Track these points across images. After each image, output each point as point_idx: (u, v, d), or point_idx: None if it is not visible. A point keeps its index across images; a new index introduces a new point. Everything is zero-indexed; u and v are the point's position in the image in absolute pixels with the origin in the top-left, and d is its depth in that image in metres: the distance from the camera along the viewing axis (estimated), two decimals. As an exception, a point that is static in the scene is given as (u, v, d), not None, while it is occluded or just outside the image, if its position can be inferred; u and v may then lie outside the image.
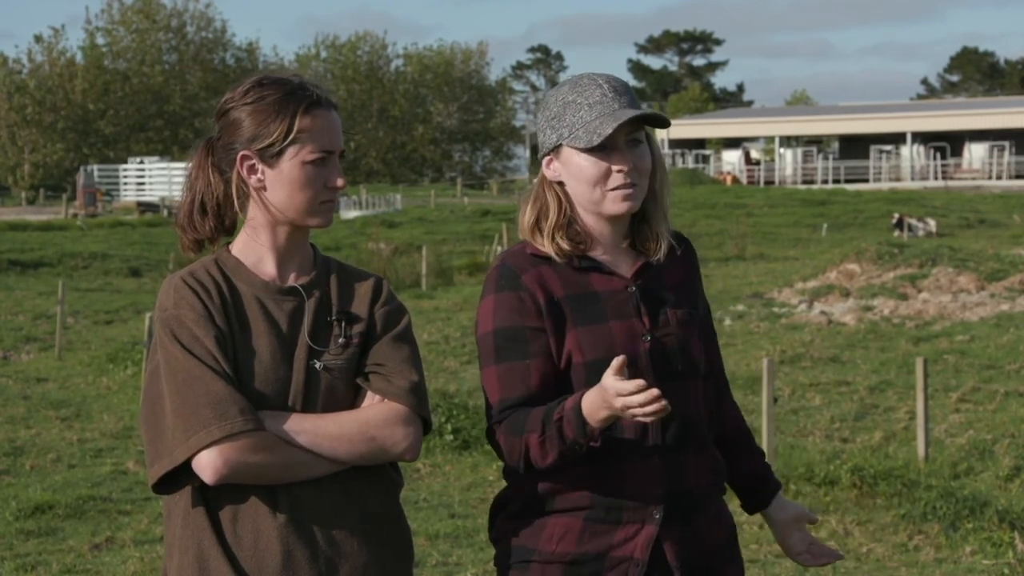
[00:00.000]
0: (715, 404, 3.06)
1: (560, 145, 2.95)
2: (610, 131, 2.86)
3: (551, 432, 2.80)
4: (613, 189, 2.92)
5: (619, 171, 2.91)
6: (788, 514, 3.17)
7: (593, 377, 2.83)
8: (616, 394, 2.67)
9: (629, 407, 2.67)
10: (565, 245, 2.95)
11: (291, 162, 2.81)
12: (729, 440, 3.14)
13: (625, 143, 2.92)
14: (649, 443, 2.90)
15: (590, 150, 2.91)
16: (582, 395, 2.77)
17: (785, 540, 3.17)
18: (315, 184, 2.82)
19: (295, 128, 2.79)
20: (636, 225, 3.01)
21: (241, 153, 2.82)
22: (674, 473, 2.92)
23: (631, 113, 2.88)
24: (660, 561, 2.91)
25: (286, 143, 2.80)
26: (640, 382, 2.66)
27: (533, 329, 2.90)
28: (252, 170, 2.83)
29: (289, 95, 2.81)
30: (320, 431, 2.76)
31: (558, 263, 2.95)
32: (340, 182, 2.84)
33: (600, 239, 2.99)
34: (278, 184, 2.82)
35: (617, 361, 2.70)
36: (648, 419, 2.68)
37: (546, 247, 2.96)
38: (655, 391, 2.65)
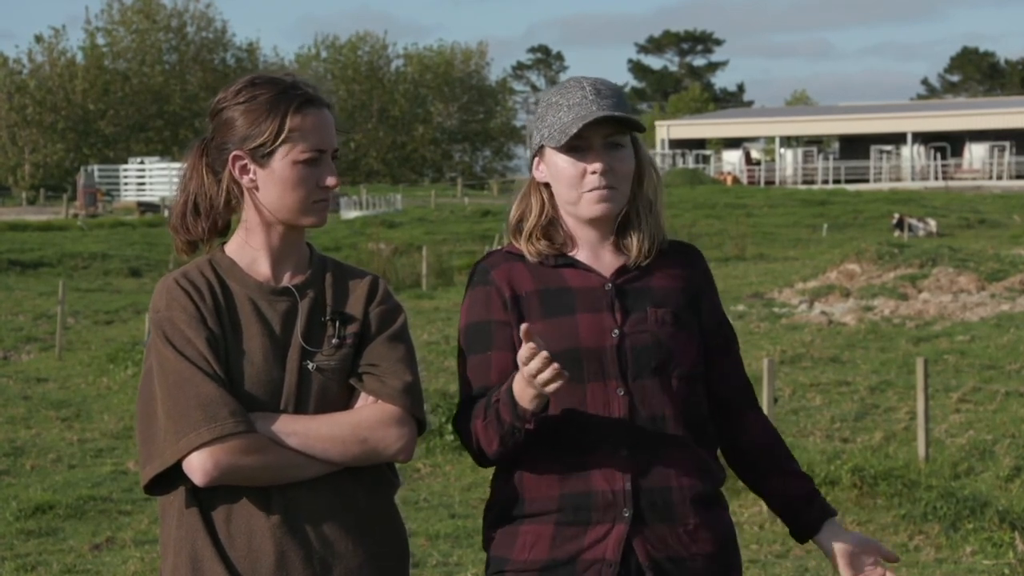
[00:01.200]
0: (700, 407, 2.99)
1: (543, 146, 2.97)
2: (575, 130, 2.87)
3: (491, 417, 2.82)
4: (588, 191, 2.92)
5: (592, 172, 2.91)
6: (845, 543, 2.94)
7: None
8: (521, 362, 2.69)
9: (530, 374, 2.68)
10: (541, 246, 2.96)
11: (282, 162, 2.79)
12: (751, 456, 3.05)
13: (603, 145, 2.91)
14: (613, 438, 2.87)
15: (567, 151, 2.92)
16: (515, 377, 2.78)
17: (846, 573, 2.94)
18: (307, 184, 2.80)
19: (286, 127, 2.78)
20: (621, 228, 3.00)
21: (233, 153, 2.81)
22: (644, 471, 2.88)
23: (600, 114, 2.88)
24: (633, 563, 2.87)
25: (277, 143, 2.78)
26: (532, 346, 2.67)
27: (498, 322, 2.92)
28: (244, 170, 2.82)
29: (281, 94, 2.80)
30: (311, 432, 2.75)
31: (533, 261, 2.97)
32: (332, 181, 2.82)
33: (582, 241, 2.99)
34: (270, 184, 2.81)
35: (521, 327, 2.71)
36: (548, 387, 2.68)
37: (523, 247, 2.98)
38: (544, 354, 2.66)
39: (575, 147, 2.91)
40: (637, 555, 2.87)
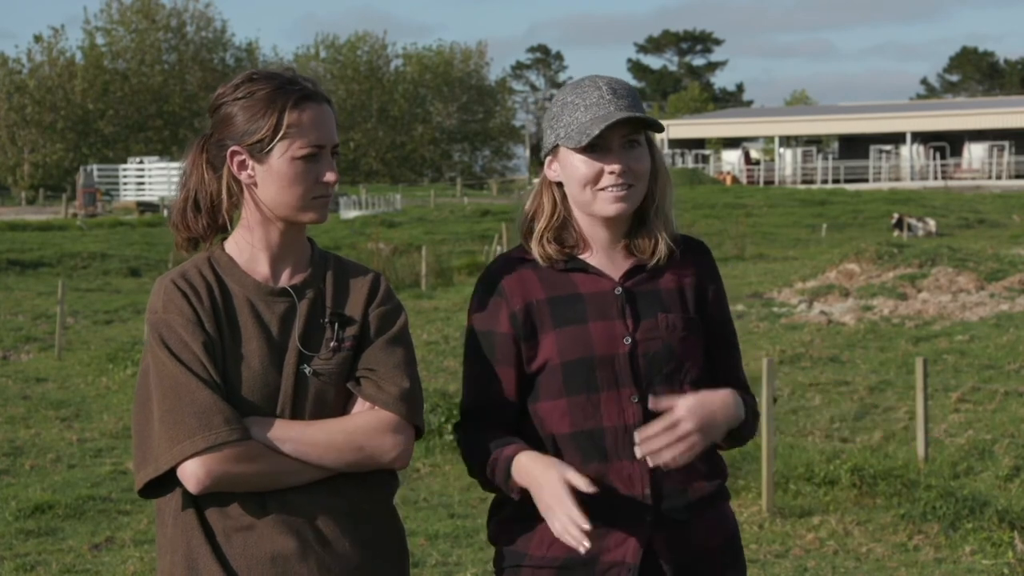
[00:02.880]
0: None
1: (558, 145, 2.96)
2: (597, 132, 2.87)
3: (489, 469, 2.88)
4: (604, 189, 2.91)
5: (611, 172, 2.91)
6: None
7: (569, 379, 2.88)
8: (559, 513, 2.74)
9: (559, 528, 2.74)
10: (551, 250, 2.96)
11: (281, 158, 2.77)
12: None
13: (621, 145, 2.91)
14: (630, 446, 2.87)
15: (584, 150, 2.91)
16: (520, 451, 2.83)
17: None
18: (306, 180, 2.78)
19: (284, 123, 2.75)
20: (634, 228, 3.00)
21: (231, 149, 2.79)
22: (662, 477, 2.90)
23: (620, 115, 2.87)
24: (653, 565, 2.89)
25: (275, 139, 2.76)
26: (579, 525, 2.71)
27: (502, 335, 2.94)
28: (242, 166, 2.80)
29: (278, 89, 2.77)
30: (306, 439, 2.73)
31: (542, 265, 2.97)
32: (331, 177, 2.80)
33: (594, 241, 2.99)
34: (268, 180, 2.78)
35: (576, 480, 2.73)
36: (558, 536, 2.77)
37: (533, 250, 2.98)
38: (582, 538, 2.71)
39: (593, 146, 2.90)
40: (659, 557, 2.90)
